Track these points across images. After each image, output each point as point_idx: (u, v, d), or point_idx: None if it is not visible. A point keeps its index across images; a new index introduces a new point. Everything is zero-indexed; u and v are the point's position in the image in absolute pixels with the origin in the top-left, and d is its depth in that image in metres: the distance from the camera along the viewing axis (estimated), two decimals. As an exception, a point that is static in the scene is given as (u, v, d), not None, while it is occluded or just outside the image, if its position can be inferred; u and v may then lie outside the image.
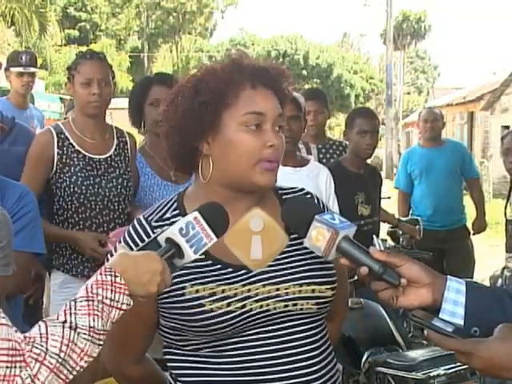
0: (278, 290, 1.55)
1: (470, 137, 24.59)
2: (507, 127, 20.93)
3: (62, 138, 3.15)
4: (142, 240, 1.56)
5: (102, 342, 1.27)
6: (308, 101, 4.14)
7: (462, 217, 5.53)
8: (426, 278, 1.42)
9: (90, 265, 3.12)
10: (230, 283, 1.54)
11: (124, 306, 1.31)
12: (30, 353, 1.20)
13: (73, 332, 1.23)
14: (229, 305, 1.52)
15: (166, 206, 1.66)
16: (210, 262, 1.55)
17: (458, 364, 2.90)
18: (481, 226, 5.64)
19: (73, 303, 1.27)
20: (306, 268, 1.58)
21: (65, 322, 1.24)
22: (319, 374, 1.59)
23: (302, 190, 1.75)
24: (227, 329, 1.53)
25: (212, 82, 1.55)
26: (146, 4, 42.29)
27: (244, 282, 1.55)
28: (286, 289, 1.55)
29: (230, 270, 1.56)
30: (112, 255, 1.50)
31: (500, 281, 4.72)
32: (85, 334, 1.24)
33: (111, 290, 1.29)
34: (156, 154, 3.40)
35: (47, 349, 1.21)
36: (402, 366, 3.14)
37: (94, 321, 1.26)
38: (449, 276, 1.46)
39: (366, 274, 1.41)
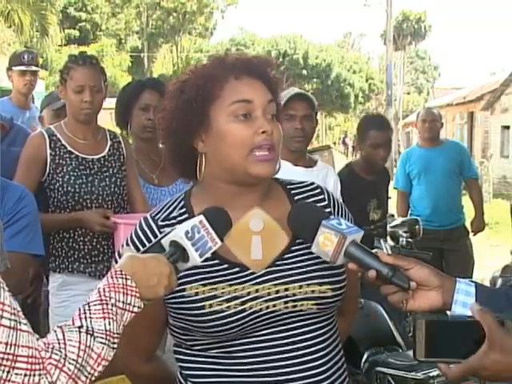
0: (286, 290, 1.53)
1: (470, 137, 24.59)
2: (507, 127, 20.98)
3: (53, 139, 3.15)
4: (149, 240, 1.55)
5: (116, 346, 1.27)
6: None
7: (460, 217, 5.51)
8: (436, 281, 1.42)
9: (86, 261, 3.13)
10: (238, 283, 1.53)
11: (135, 309, 1.30)
12: (50, 359, 1.18)
13: (89, 337, 1.22)
14: (237, 305, 1.51)
15: (172, 204, 1.64)
16: (216, 261, 1.53)
17: (458, 364, 2.90)
18: (479, 225, 5.63)
19: (87, 307, 1.26)
20: (315, 268, 1.56)
21: (81, 326, 1.23)
22: (327, 374, 1.58)
23: (312, 184, 1.71)
24: (236, 329, 1.52)
25: (195, 79, 1.56)
26: (146, 4, 42.27)
27: (253, 282, 1.53)
28: (294, 289, 1.53)
29: (237, 269, 1.55)
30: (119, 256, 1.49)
31: (500, 281, 4.71)
32: (102, 337, 1.23)
33: (123, 293, 1.28)
34: (139, 158, 3.45)
35: (66, 355, 1.19)
36: (402, 365, 3.14)
37: (109, 324, 1.25)
38: (458, 278, 1.45)
39: (375, 277, 1.39)
